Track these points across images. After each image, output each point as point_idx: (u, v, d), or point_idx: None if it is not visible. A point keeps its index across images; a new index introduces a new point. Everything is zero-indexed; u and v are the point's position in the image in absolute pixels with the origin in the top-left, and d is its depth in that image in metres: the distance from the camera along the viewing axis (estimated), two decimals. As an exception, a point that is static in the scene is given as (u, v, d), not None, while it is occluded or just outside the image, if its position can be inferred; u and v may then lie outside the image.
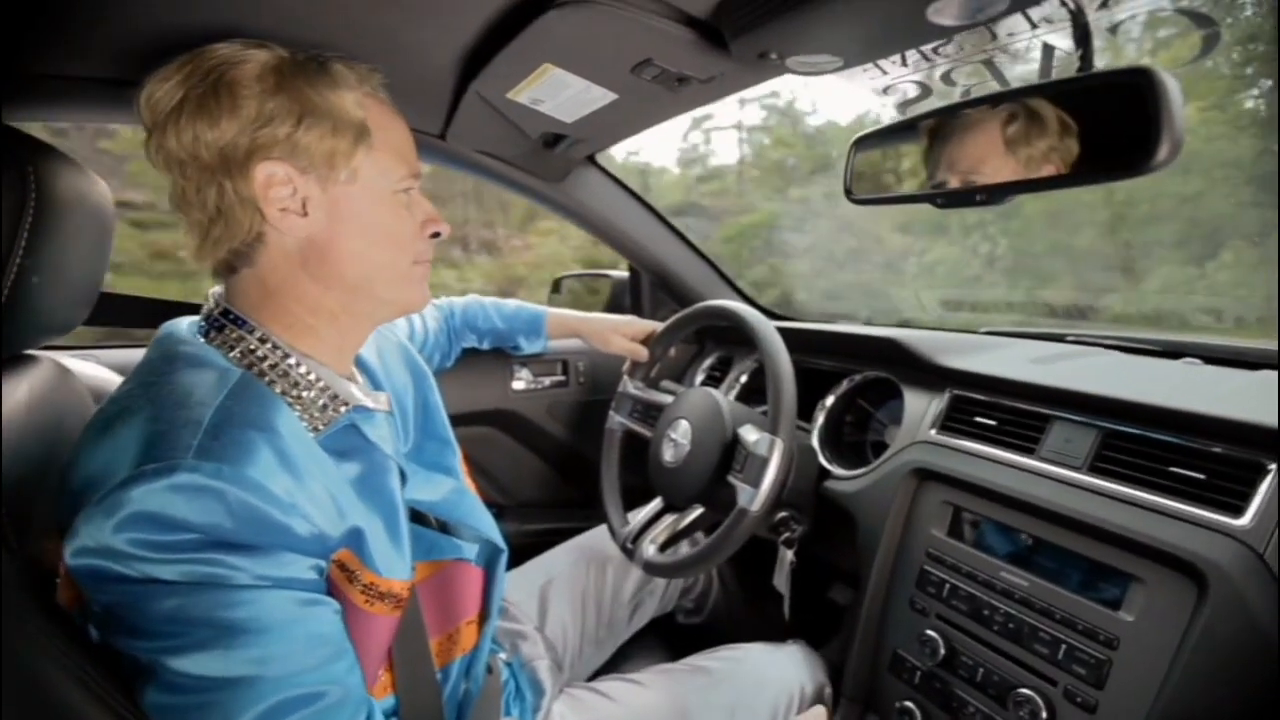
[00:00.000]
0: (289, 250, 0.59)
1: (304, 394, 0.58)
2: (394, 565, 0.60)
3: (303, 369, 0.59)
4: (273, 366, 0.58)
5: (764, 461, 0.85)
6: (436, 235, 0.66)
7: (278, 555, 0.50)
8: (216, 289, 0.63)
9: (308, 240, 0.59)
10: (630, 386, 1.17)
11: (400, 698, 0.63)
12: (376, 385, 0.71)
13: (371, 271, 0.62)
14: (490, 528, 0.73)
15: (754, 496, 0.85)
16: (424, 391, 0.79)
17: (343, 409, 0.60)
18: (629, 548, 1.02)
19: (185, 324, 0.61)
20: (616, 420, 1.18)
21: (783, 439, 0.86)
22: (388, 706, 0.62)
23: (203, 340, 0.58)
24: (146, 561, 0.45)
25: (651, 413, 1.12)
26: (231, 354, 0.57)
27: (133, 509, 0.45)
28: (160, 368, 0.55)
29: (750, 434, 0.90)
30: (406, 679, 0.63)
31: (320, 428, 0.58)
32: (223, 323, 0.59)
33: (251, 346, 0.58)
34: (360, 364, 0.71)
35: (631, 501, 1.11)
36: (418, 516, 0.67)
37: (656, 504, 1.05)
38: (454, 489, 0.72)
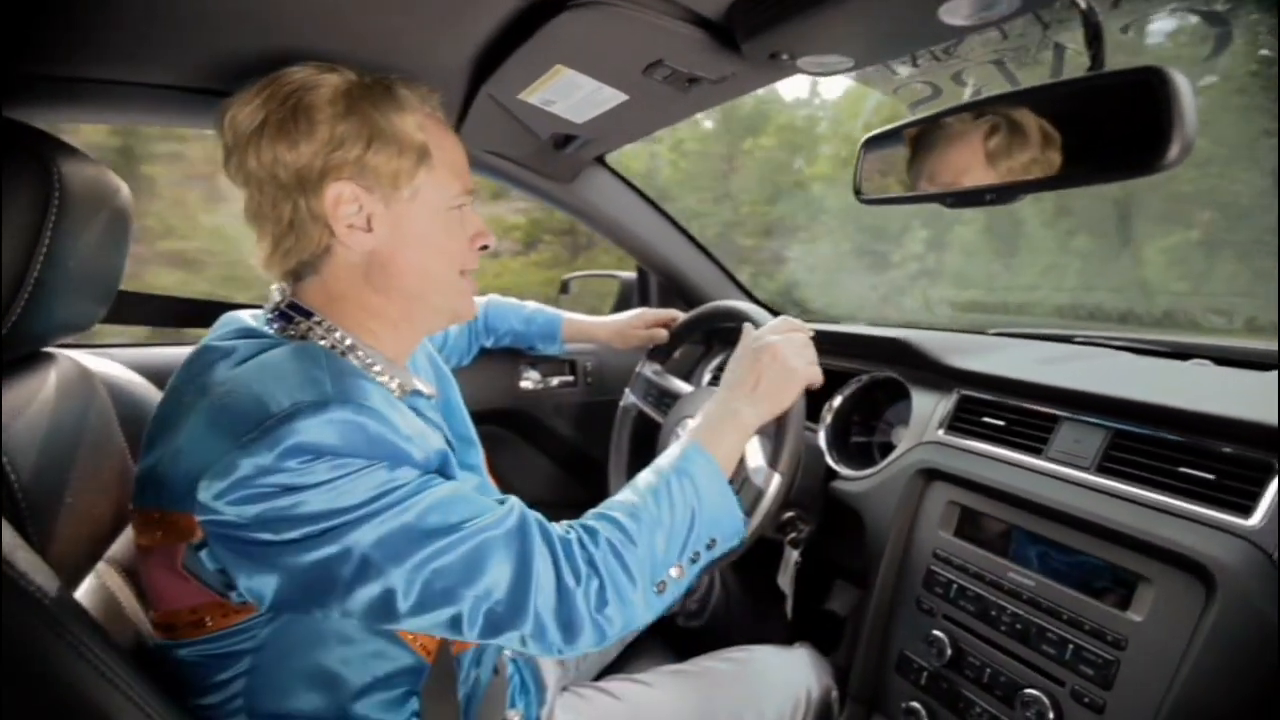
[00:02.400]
0: (353, 263, 0.63)
1: (374, 373, 0.62)
2: None
3: (364, 355, 0.63)
4: (341, 354, 0.62)
5: (759, 494, 0.85)
6: (484, 248, 0.70)
7: (407, 470, 0.54)
8: (276, 285, 0.66)
9: (371, 254, 0.63)
10: (648, 370, 1.19)
11: (432, 668, 0.64)
12: None
13: (427, 283, 0.66)
14: None
15: (744, 524, 0.85)
16: (446, 392, 0.82)
17: (405, 393, 0.64)
18: None
19: (247, 315, 0.65)
20: (631, 399, 1.20)
21: (782, 473, 0.85)
22: (424, 669, 0.64)
23: (271, 331, 0.62)
24: (305, 475, 0.50)
25: (665, 399, 1.13)
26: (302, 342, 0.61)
27: (296, 440, 0.49)
28: (245, 350, 0.58)
29: (753, 456, 0.89)
30: (440, 653, 0.65)
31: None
32: (291, 314, 0.63)
33: (320, 335, 0.62)
34: None
35: None
36: None
37: None
38: (479, 486, 0.74)
